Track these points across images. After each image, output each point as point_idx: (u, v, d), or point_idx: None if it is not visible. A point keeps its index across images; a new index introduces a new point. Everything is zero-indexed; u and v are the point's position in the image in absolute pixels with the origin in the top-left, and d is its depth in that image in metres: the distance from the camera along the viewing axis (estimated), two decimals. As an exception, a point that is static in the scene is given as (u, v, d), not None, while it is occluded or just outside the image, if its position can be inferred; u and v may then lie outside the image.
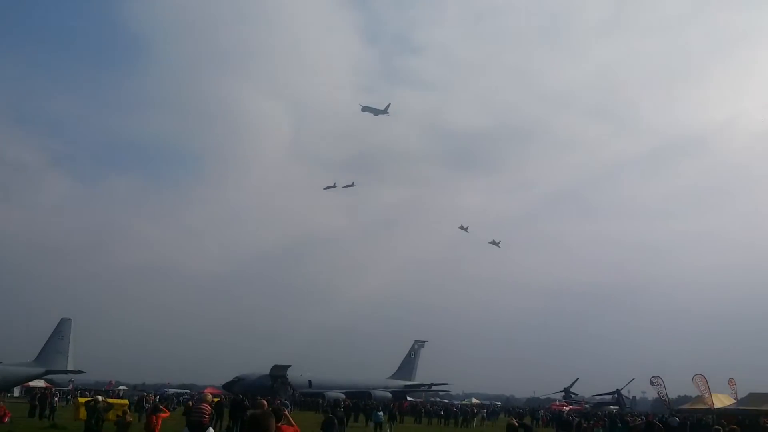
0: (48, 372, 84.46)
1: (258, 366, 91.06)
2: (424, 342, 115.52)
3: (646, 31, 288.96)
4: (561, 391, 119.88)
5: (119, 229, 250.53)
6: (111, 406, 24.19)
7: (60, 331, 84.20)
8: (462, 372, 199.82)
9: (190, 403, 43.37)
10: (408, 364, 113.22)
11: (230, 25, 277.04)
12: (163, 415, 19.27)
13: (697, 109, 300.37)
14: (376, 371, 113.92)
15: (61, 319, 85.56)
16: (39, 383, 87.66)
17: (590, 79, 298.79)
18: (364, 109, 74.20)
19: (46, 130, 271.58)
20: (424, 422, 63.27)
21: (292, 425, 11.64)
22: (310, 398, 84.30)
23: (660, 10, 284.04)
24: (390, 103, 72.46)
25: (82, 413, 37.23)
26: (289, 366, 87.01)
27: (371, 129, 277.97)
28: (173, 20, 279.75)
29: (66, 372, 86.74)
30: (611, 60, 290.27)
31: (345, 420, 26.08)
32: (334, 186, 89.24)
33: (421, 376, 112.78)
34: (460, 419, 61.19)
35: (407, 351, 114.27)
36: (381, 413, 45.00)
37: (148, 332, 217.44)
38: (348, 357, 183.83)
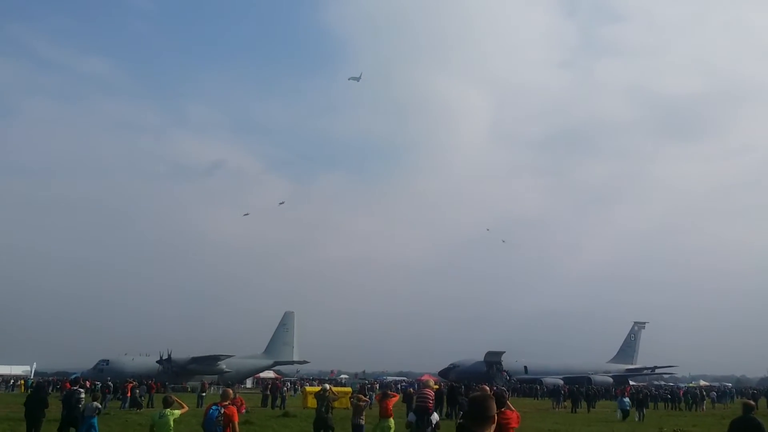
0: (276, 363, 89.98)
1: (472, 352, 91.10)
2: (644, 323, 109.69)
3: None
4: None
5: (332, 223, 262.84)
6: (337, 397, 24.67)
7: (284, 324, 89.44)
8: (687, 353, 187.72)
9: (411, 390, 43.89)
10: (628, 347, 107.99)
11: (422, 15, 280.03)
12: (392, 399, 19.33)
13: None
14: (594, 355, 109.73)
15: (285, 312, 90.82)
16: (269, 374, 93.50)
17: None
18: (350, 78, 74.60)
19: (261, 137, 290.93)
20: (650, 406, 59.58)
21: (513, 410, 10.98)
22: (527, 384, 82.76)
23: None
24: (362, 72, 73.16)
25: (311, 402, 38.82)
26: (503, 352, 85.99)
27: (573, 104, 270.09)
28: (367, 20, 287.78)
29: (293, 363, 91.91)
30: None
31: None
32: (283, 203, 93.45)
33: (642, 359, 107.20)
34: (691, 403, 57.02)
35: (626, 333, 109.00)
36: (627, 399, 41.55)
37: (364, 322, 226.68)
38: (564, 341, 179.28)
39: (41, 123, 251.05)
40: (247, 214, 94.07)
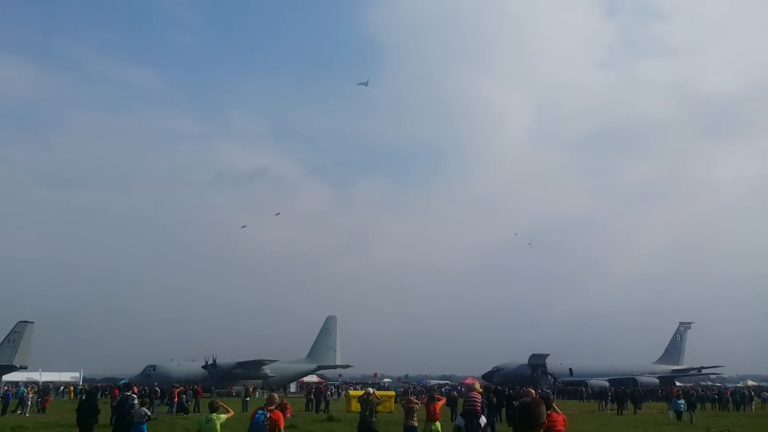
0: (320, 367, 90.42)
1: (516, 355, 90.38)
2: (689, 324, 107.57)
3: None
4: None
5: (374, 227, 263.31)
6: (381, 401, 24.75)
7: (327, 328, 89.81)
8: (734, 353, 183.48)
9: (454, 393, 43.78)
10: (674, 348, 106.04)
11: (463, 18, 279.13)
12: (439, 403, 19.39)
13: None
14: (639, 356, 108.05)
15: (328, 316, 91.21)
16: (312, 378, 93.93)
17: None
18: (359, 84, 77.21)
19: (302, 144, 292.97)
20: (697, 407, 58.48)
21: (559, 413, 10.88)
22: (572, 387, 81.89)
23: None
24: (369, 78, 76.17)
25: (354, 405, 38.92)
26: (548, 354, 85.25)
27: (616, 103, 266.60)
28: (407, 25, 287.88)
29: (335, 367, 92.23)
30: None
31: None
32: (278, 213, 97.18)
33: (689, 360, 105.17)
34: (739, 403, 55.98)
35: (672, 334, 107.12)
36: (681, 401, 39.98)
37: (406, 325, 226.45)
38: (608, 342, 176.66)
39: (87, 134, 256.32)
40: (244, 227, 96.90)
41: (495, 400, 30.84)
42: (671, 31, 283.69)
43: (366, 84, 75.42)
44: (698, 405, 58.45)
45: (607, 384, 75.29)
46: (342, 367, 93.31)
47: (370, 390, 21.76)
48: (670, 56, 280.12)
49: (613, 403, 52.48)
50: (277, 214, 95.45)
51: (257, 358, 77.92)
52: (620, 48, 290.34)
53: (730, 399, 58.57)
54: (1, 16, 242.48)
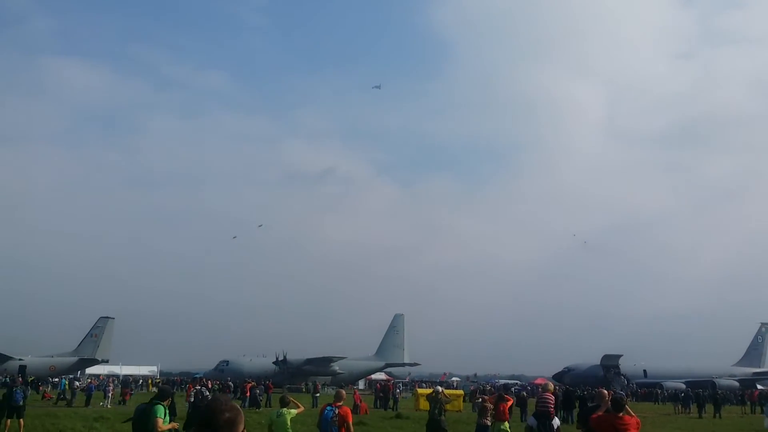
0: (387, 365, 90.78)
1: (588, 356, 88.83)
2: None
3: None
4: None
5: (443, 226, 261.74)
6: (449, 399, 24.73)
7: (395, 326, 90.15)
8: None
9: (524, 393, 43.31)
10: (754, 350, 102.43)
11: (531, 11, 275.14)
12: (507, 404, 19.17)
13: None
14: (718, 358, 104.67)
15: (395, 315, 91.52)
16: (380, 375, 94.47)
17: None
18: (374, 87, 78.43)
19: (370, 143, 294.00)
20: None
21: (633, 416, 10.70)
22: (646, 389, 79.91)
23: None
24: (381, 83, 77.18)
25: (423, 404, 38.96)
26: (620, 355, 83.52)
27: (693, 98, 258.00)
28: (472, 22, 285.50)
29: (403, 365, 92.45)
30: None
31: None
32: (261, 225, 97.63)
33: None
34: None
35: (753, 335, 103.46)
36: None
37: (476, 325, 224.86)
38: (685, 344, 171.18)
39: (164, 137, 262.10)
40: (261, 226, 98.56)
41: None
42: (751, 20, 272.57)
43: (379, 87, 76.58)
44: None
45: (683, 386, 73.24)
46: (410, 365, 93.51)
47: (439, 388, 21.82)
48: (751, 46, 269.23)
49: (693, 405, 51.03)
50: (260, 226, 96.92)
51: (326, 355, 78.74)
52: (698, 39, 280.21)
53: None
54: (80, 23, 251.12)
